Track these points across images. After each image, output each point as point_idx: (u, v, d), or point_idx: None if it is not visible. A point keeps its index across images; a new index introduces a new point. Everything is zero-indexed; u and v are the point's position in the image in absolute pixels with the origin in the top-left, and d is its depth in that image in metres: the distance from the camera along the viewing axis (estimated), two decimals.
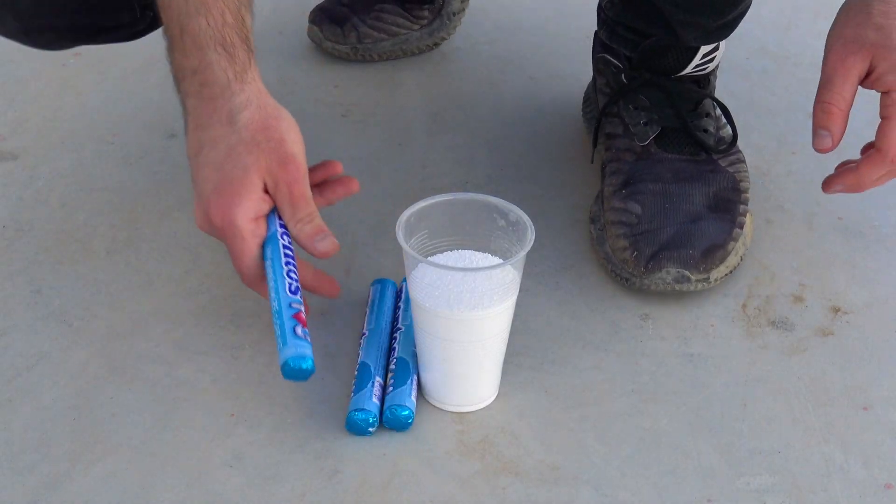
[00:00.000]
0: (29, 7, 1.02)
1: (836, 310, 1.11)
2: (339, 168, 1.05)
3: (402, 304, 1.07)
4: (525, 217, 0.97)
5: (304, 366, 0.89)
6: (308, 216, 0.97)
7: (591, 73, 1.30)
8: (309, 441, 0.97)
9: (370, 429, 0.97)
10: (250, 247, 0.96)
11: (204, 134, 0.95)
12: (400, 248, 0.95)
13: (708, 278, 1.10)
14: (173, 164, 1.28)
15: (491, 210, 0.98)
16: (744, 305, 1.11)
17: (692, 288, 1.09)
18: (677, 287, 1.09)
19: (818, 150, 1.04)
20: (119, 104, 1.38)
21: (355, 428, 0.97)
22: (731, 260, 1.12)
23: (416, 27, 1.46)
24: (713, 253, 1.10)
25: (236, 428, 0.98)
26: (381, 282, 1.10)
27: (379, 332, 1.04)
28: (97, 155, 1.30)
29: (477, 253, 0.99)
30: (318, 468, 0.95)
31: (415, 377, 1.01)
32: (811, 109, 1.02)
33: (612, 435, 0.98)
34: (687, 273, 1.08)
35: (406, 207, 0.98)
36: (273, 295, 0.94)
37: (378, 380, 1.00)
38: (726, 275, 1.11)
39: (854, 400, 1.02)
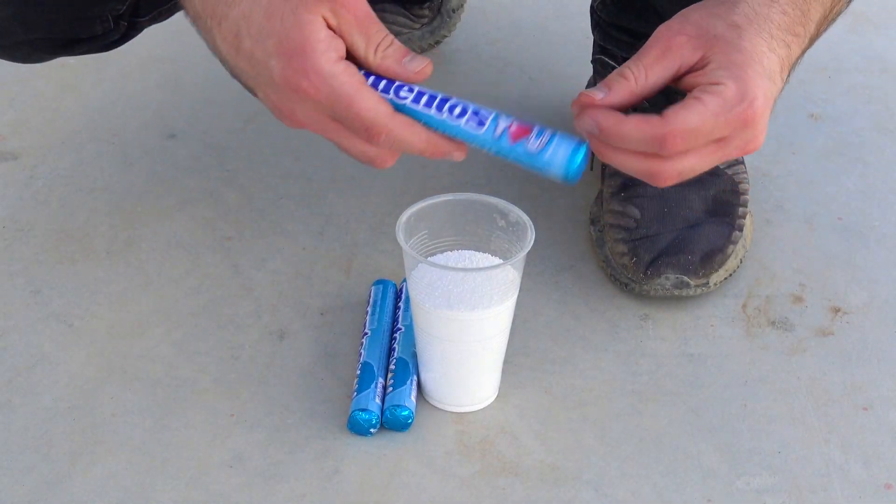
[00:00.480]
0: (2, 22, 1.02)
1: (836, 310, 1.11)
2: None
3: (402, 305, 1.07)
4: (525, 217, 0.97)
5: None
6: (385, 38, 0.84)
7: (592, 73, 1.30)
8: (309, 441, 0.97)
9: (371, 429, 0.97)
10: (358, 84, 0.82)
11: (232, 11, 0.83)
12: (400, 248, 0.95)
13: (707, 283, 1.10)
14: (173, 164, 1.28)
15: (491, 210, 0.98)
16: (744, 305, 1.11)
17: (692, 293, 1.09)
18: (676, 293, 1.09)
19: (581, 104, 0.85)
20: (119, 104, 1.38)
21: (357, 428, 0.97)
22: (731, 263, 1.12)
23: (417, 26, 1.46)
24: (712, 258, 1.10)
25: (236, 428, 0.98)
26: (382, 282, 1.10)
27: (381, 332, 1.04)
28: (97, 155, 1.30)
29: (477, 253, 0.99)
30: (318, 468, 0.95)
31: (415, 377, 1.01)
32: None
33: (612, 435, 0.98)
34: (686, 279, 1.08)
35: (406, 207, 0.98)
36: (459, 128, 0.85)
37: (380, 381, 1.00)
38: (726, 278, 1.11)
39: (854, 400, 1.02)
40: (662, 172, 0.85)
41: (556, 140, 0.84)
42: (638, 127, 0.83)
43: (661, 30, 0.86)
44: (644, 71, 0.85)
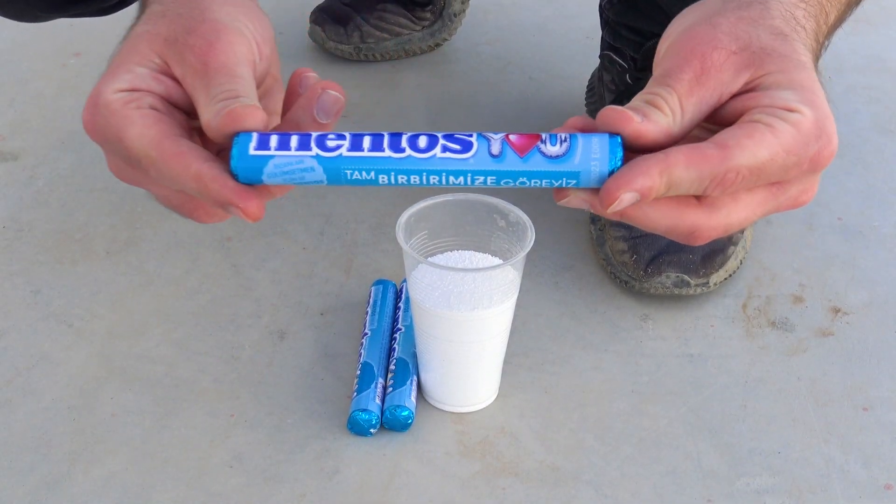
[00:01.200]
0: None
1: (836, 310, 1.11)
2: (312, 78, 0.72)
3: (402, 305, 1.07)
4: (525, 217, 0.97)
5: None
6: (226, 92, 0.67)
7: (592, 72, 1.31)
8: (309, 441, 0.97)
9: (371, 430, 0.97)
10: (132, 112, 0.67)
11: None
12: (400, 248, 0.95)
13: (707, 283, 1.10)
14: None
15: (491, 210, 0.98)
16: (744, 306, 1.11)
17: (691, 292, 1.09)
18: (676, 291, 1.09)
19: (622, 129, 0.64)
20: None
21: (357, 428, 0.97)
22: (731, 264, 1.12)
23: (418, 28, 1.46)
24: (713, 258, 1.10)
25: (236, 428, 0.98)
26: (382, 282, 1.10)
27: (381, 332, 1.04)
28: (97, 155, 1.29)
29: (477, 253, 0.99)
30: (318, 468, 0.95)
31: (415, 378, 1.01)
32: None
33: (612, 435, 0.98)
34: (686, 278, 1.08)
35: (406, 208, 0.98)
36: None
37: (380, 381, 1.00)
38: (726, 279, 1.11)
39: (854, 400, 1.02)
40: (705, 226, 0.65)
41: (580, 138, 0.65)
42: (690, 159, 0.62)
43: (688, 41, 0.66)
44: (680, 104, 0.64)
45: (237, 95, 0.67)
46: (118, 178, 0.72)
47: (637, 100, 0.64)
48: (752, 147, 0.62)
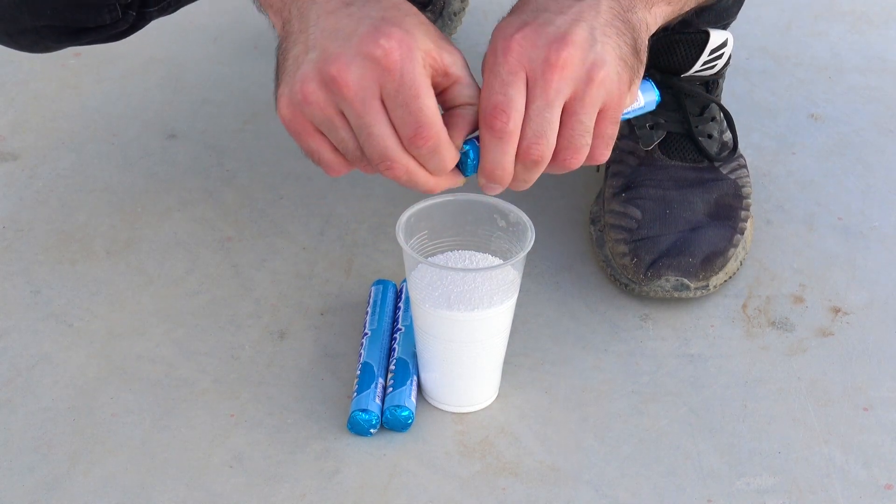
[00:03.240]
0: (7, 8, 1.02)
1: (836, 310, 1.11)
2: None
3: (402, 305, 1.07)
4: (525, 217, 0.97)
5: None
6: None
7: None
8: (309, 441, 0.97)
9: (371, 430, 0.97)
10: (429, 85, 0.79)
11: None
12: (400, 248, 0.95)
13: (707, 285, 1.10)
14: (173, 164, 1.28)
15: (491, 210, 0.98)
16: (744, 306, 1.11)
17: (691, 295, 1.09)
18: (676, 295, 1.09)
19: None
20: (119, 104, 1.38)
21: (357, 428, 0.97)
22: (731, 266, 1.12)
23: None
24: (713, 261, 1.10)
25: (236, 428, 0.98)
26: (382, 282, 1.10)
27: (381, 332, 1.04)
28: (97, 155, 1.30)
29: (477, 253, 0.99)
30: (318, 468, 0.95)
31: (415, 378, 1.01)
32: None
33: (612, 435, 0.98)
34: (686, 281, 1.08)
35: (406, 208, 0.98)
36: None
37: (380, 381, 1.00)
38: (725, 281, 1.11)
39: (854, 400, 1.02)
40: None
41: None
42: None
43: (501, 64, 0.82)
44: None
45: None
46: (332, 85, 0.78)
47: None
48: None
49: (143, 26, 1.08)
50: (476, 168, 0.84)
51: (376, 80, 0.78)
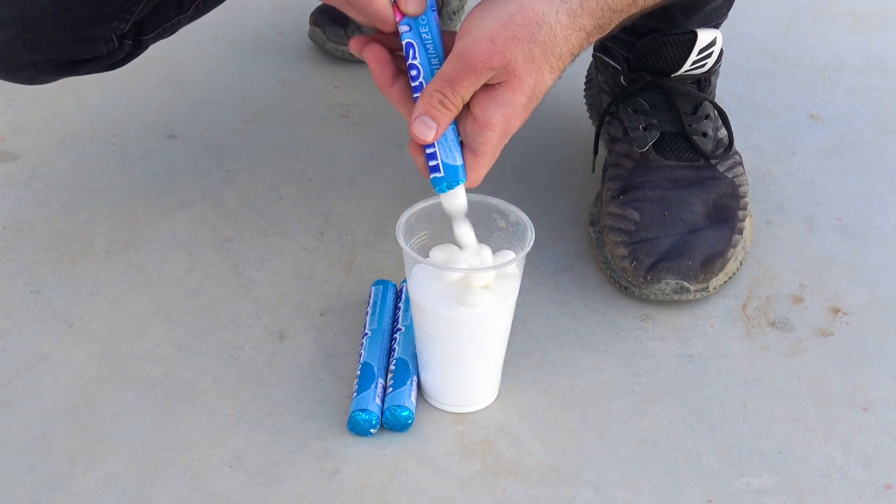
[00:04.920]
0: (4, 44, 1.02)
1: (836, 310, 1.11)
2: None
3: (402, 305, 1.07)
4: (525, 217, 0.97)
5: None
6: None
7: (590, 63, 1.30)
8: (309, 441, 0.97)
9: (371, 430, 0.97)
10: None
11: None
12: (400, 248, 0.95)
13: (707, 287, 1.10)
14: (173, 164, 1.28)
15: (491, 210, 0.98)
16: (744, 306, 1.11)
17: (691, 297, 1.09)
18: (676, 297, 1.09)
19: (419, 139, 0.91)
20: (119, 104, 1.38)
21: (357, 428, 0.97)
22: (731, 266, 1.12)
23: None
24: (712, 262, 1.10)
25: (236, 428, 0.98)
26: (382, 283, 1.10)
27: (381, 332, 1.04)
28: (97, 155, 1.30)
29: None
30: (318, 468, 0.95)
31: (414, 378, 1.01)
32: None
33: (612, 435, 0.98)
34: (686, 284, 1.08)
35: (406, 208, 0.98)
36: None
37: (381, 381, 1.00)
38: (726, 282, 1.11)
39: (854, 400, 1.02)
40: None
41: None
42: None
43: (472, 47, 0.88)
44: (461, 100, 0.89)
45: None
46: None
47: (432, 100, 0.88)
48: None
49: (139, 54, 1.09)
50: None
51: None
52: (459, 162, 0.91)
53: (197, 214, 1.21)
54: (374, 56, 0.91)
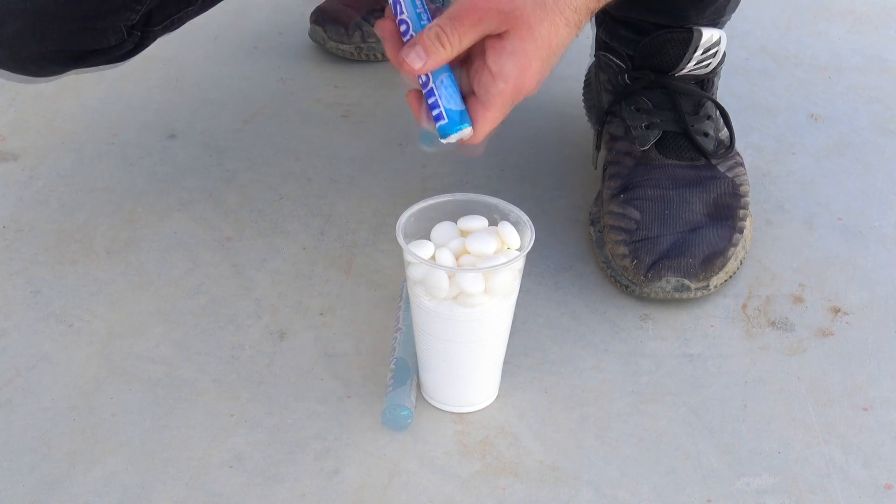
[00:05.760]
0: (14, 35, 1.03)
1: (836, 310, 1.11)
2: None
3: (402, 305, 1.07)
4: (525, 217, 0.97)
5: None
6: None
7: (588, 66, 1.30)
8: (309, 441, 0.97)
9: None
10: None
11: None
12: (400, 248, 0.95)
13: (707, 286, 1.10)
14: (173, 164, 1.28)
15: (491, 210, 0.98)
16: (744, 306, 1.11)
17: (692, 296, 1.09)
18: (677, 296, 1.09)
19: (408, 67, 0.88)
20: (119, 104, 1.38)
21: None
22: (731, 265, 1.12)
23: None
24: (713, 261, 1.10)
25: (236, 428, 0.98)
26: None
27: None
28: (97, 155, 1.30)
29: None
30: (318, 468, 0.95)
31: (415, 378, 1.01)
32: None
33: (612, 435, 0.98)
34: (687, 282, 1.08)
35: (406, 208, 0.98)
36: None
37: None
38: (726, 280, 1.11)
39: (854, 400, 1.02)
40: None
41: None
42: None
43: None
44: (459, 40, 0.87)
45: None
46: None
47: (431, 35, 0.86)
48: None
49: (147, 46, 1.10)
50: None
51: None
52: (462, 107, 0.88)
53: (197, 214, 1.21)
54: (385, 30, 0.89)
